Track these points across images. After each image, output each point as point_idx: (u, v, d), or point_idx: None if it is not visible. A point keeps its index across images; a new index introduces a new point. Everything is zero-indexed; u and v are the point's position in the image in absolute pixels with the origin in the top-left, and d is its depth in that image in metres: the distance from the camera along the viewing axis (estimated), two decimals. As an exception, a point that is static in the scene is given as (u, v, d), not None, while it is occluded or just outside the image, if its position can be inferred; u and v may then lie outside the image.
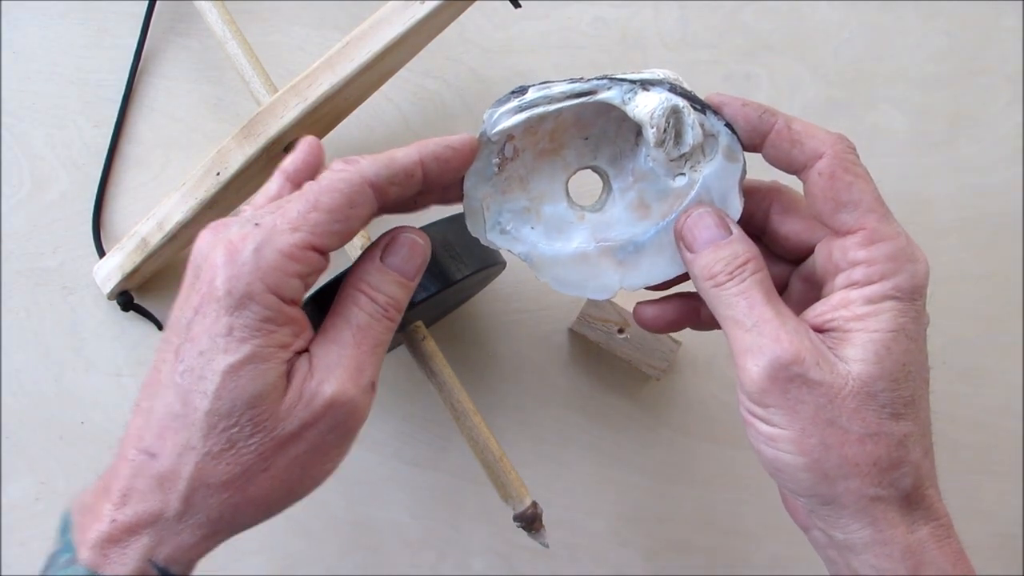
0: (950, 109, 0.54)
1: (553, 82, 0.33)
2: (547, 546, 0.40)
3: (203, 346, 0.28)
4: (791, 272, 0.35)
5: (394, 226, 0.34)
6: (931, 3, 0.54)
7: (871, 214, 0.30)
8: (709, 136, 0.32)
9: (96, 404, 0.49)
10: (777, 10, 0.54)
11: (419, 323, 0.42)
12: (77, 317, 0.50)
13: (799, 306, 0.32)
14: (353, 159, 0.30)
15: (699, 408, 0.51)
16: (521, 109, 0.32)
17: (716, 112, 0.32)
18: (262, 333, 0.28)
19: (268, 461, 0.29)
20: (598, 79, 0.32)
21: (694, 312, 0.36)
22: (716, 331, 0.51)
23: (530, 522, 0.40)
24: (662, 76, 0.32)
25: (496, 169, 0.34)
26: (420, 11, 0.41)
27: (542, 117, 0.33)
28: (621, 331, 0.48)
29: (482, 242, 0.35)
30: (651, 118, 0.31)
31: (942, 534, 0.30)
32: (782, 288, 0.35)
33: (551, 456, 0.51)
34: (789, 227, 0.34)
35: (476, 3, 0.44)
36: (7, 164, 0.50)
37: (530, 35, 0.53)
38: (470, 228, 0.35)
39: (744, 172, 0.32)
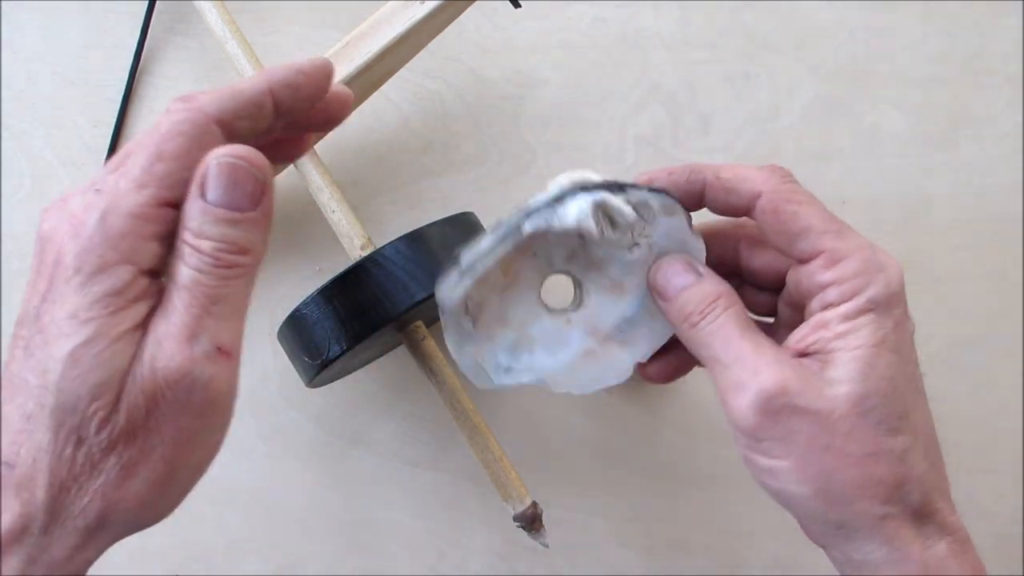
0: (950, 109, 0.54)
1: (479, 239, 0.32)
2: (547, 546, 0.40)
3: (50, 335, 0.25)
4: (774, 302, 0.35)
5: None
6: (931, 3, 0.54)
7: (824, 235, 0.30)
8: (642, 206, 0.32)
9: (96, 404, 0.49)
10: (777, 10, 0.54)
11: (419, 323, 0.42)
12: (77, 317, 0.50)
13: (790, 329, 0.31)
14: (191, 95, 0.28)
15: (699, 408, 0.51)
16: (463, 275, 0.33)
17: (634, 185, 0.32)
18: (108, 311, 0.25)
19: (123, 457, 0.26)
20: (514, 215, 0.32)
21: (691, 358, 0.36)
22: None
23: (530, 522, 0.40)
24: (568, 182, 0.32)
25: (472, 327, 0.34)
26: (420, 11, 0.41)
27: (480, 273, 0.33)
28: (621, 331, 0.48)
29: (493, 391, 0.35)
30: (579, 226, 0.32)
31: (958, 548, 0.29)
32: (772, 315, 0.35)
33: (551, 456, 0.51)
34: (759, 260, 0.34)
35: (476, 3, 0.44)
36: (7, 164, 0.50)
37: (530, 35, 0.53)
38: (476, 384, 0.35)
39: (690, 218, 0.33)
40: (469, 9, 0.44)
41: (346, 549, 0.50)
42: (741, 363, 0.29)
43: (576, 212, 0.31)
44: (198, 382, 0.26)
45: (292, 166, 0.45)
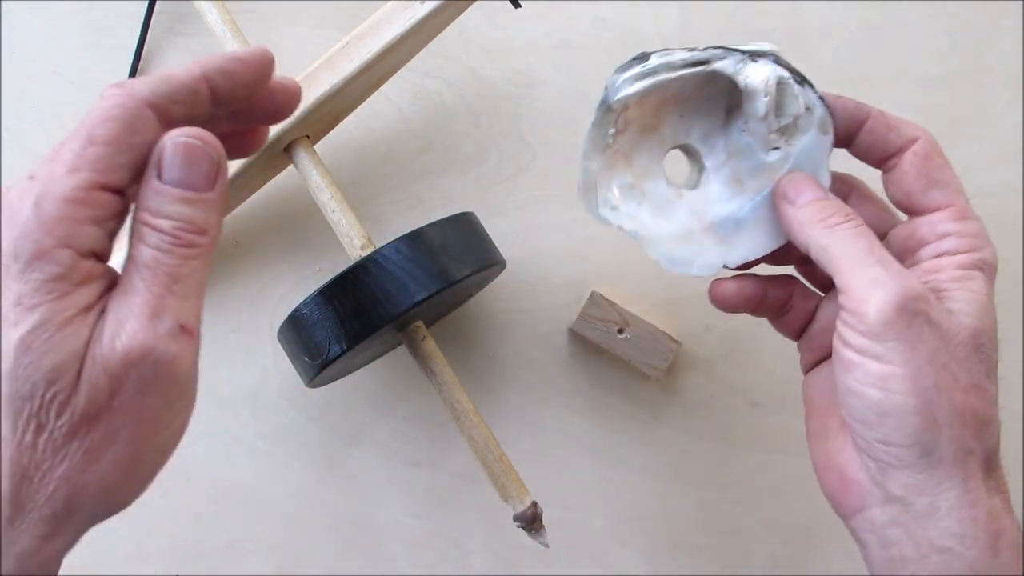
0: (950, 109, 0.54)
1: (673, 49, 0.33)
2: (547, 546, 0.40)
3: None
4: None
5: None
6: (931, 3, 0.54)
7: (960, 195, 0.32)
8: (806, 109, 0.33)
9: (96, 404, 0.49)
10: (777, 10, 0.54)
11: (419, 323, 0.42)
12: (77, 317, 0.50)
13: None
14: (124, 81, 0.28)
15: (699, 408, 0.51)
16: (644, 76, 0.33)
17: (813, 86, 0.33)
18: (54, 295, 0.25)
19: (86, 441, 0.26)
20: (713, 48, 0.33)
21: (763, 293, 0.36)
22: (715, 333, 0.51)
23: (530, 522, 0.40)
24: (768, 48, 0.33)
25: (611, 140, 0.34)
26: (420, 11, 0.41)
27: (655, 87, 0.33)
28: (621, 331, 0.48)
29: (594, 219, 0.35)
30: (765, 86, 0.32)
31: (1008, 508, 0.30)
32: None
33: (551, 456, 0.51)
34: (864, 212, 0.34)
35: (476, 3, 0.44)
36: (7, 164, 0.50)
37: (530, 35, 0.53)
38: (583, 205, 0.34)
39: (832, 146, 0.34)
40: (469, 9, 0.44)
41: (346, 549, 0.50)
42: (885, 264, 0.30)
43: (766, 74, 0.32)
44: (162, 360, 0.26)
45: (292, 166, 0.45)
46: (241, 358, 0.50)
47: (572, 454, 0.51)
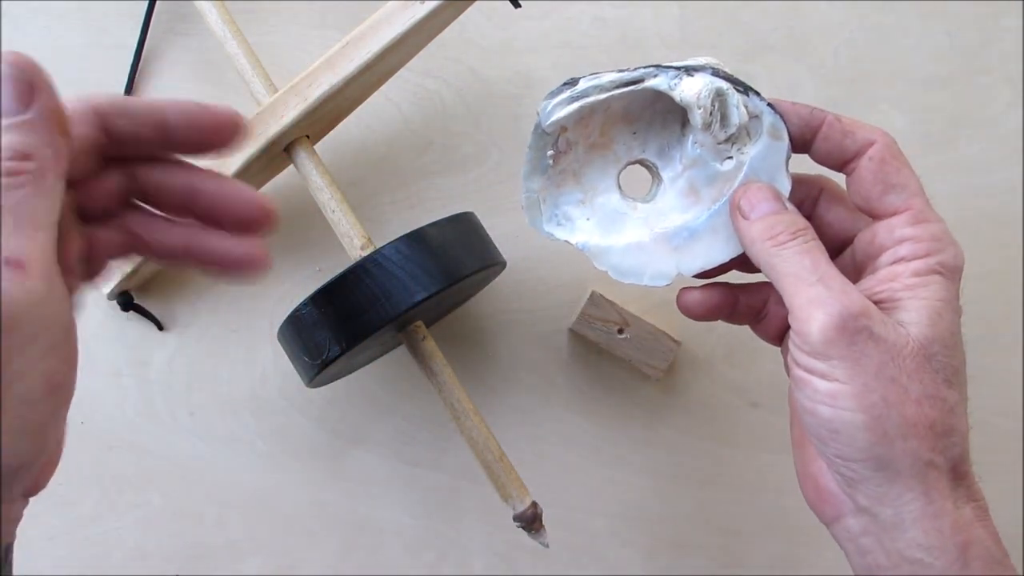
0: (950, 109, 0.54)
1: (602, 72, 0.34)
2: (547, 546, 0.40)
3: None
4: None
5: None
6: (931, 3, 0.54)
7: (917, 197, 0.32)
8: (753, 117, 0.33)
9: (96, 404, 0.49)
10: (777, 10, 0.54)
11: (419, 323, 0.42)
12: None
13: None
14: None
15: (699, 408, 0.51)
16: (573, 99, 0.33)
17: (759, 94, 0.33)
18: None
19: None
20: (644, 68, 0.33)
21: (732, 301, 0.37)
22: (715, 332, 0.51)
23: (530, 522, 0.40)
24: (704, 62, 0.34)
25: (551, 162, 0.35)
26: (420, 11, 0.41)
27: (592, 109, 0.34)
28: (621, 331, 0.48)
29: (540, 233, 0.36)
30: (697, 100, 0.33)
31: (982, 515, 0.30)
32: None
33: (551, 456, 0.51)
34: (834, 215, 0.35)
35: (476, 3, 0.44)
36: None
37: (530, 35, 0.53)
38: (528, 220, 0.35)
39: (790, 152, 0.34)
40: (469, 9, 0.44)
41: (346, 549, 0.50)
42: (826, 282, 0.30)
43: (699, 88, 0.32)
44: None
45: (292, 166, 0.45)
46: (241, 358, 0.50)
47: (572, 454, 0.51)
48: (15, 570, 0.49)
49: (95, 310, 0.50)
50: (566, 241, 0.35)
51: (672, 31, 0.53)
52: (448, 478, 0.50)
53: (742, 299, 0.36)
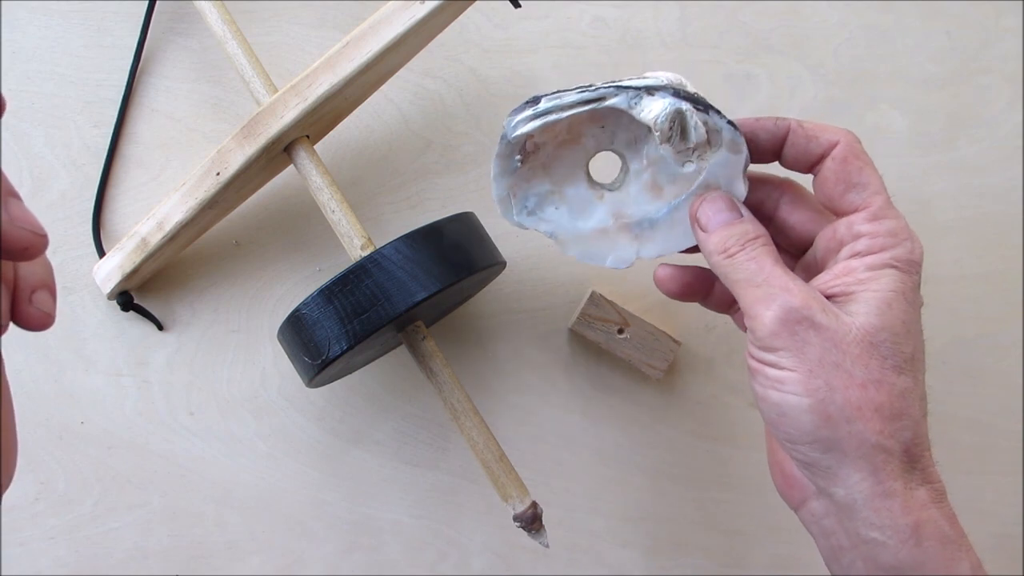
0: (950, 109, 0.54)
1: (564, 91, 0.35)
2: (547, 546, 0.40)
3: None
4: (794, 265, 0.37)
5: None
6: (931, 3, 0.54)
7: (877, 195, 0.33)
8: (714, 132, 0.34)
9: (96, 404, 0.49)
10: (777, 10, 0.54)
11: (419, 323, 0.42)
12: (77, 317, 0.50)
13: None
14: None
15: (699, 408, 0.51)
16: (536, 117, 0.35)
17: (719, 112, 0.34)
18: None
19: None
20: (605, 86, 0.35)
21: (708, 284, 0.38)
22: (715, 333, 0.51)
23: (530, 522, 0.40)
24: (665, 81, 0.35)
25: (519, 164, 0.36)
26: (420, 11, 0.41)
27: (557, 120, 0.35)
28: (621, 331, 0.48)
29: (511, 224, 0.37)
30: (655, 123, 0.34)
31: (938, 497, 0.30)
32: None
33: (551, 456, 0.51)
34: (797, 217, 0.36)
35: (476, 3, 0.44)
36: (7, 164, 0.50)
37: (530, 35, 0.53)
38: (500, 213, 0.37)
39: (747, 162, 0.35)
40: (469, 9, 0.44)
41: (346, 549, 0.50)
42: (771, 282, 0.32)
43: (658, 110, 0.34)
44: None
45: (292, 166, 0.45)
46: (241, 358, 0.50)
47: (572, 454, 0.51)
48: (15, 570, 0.50)
49: (95, 310, 0.50)
50: (535, 230, 0.37)
51: (672, 31, 0.53)
52: (448, 478, 0.50)
53: (718, 286, 0.38)
